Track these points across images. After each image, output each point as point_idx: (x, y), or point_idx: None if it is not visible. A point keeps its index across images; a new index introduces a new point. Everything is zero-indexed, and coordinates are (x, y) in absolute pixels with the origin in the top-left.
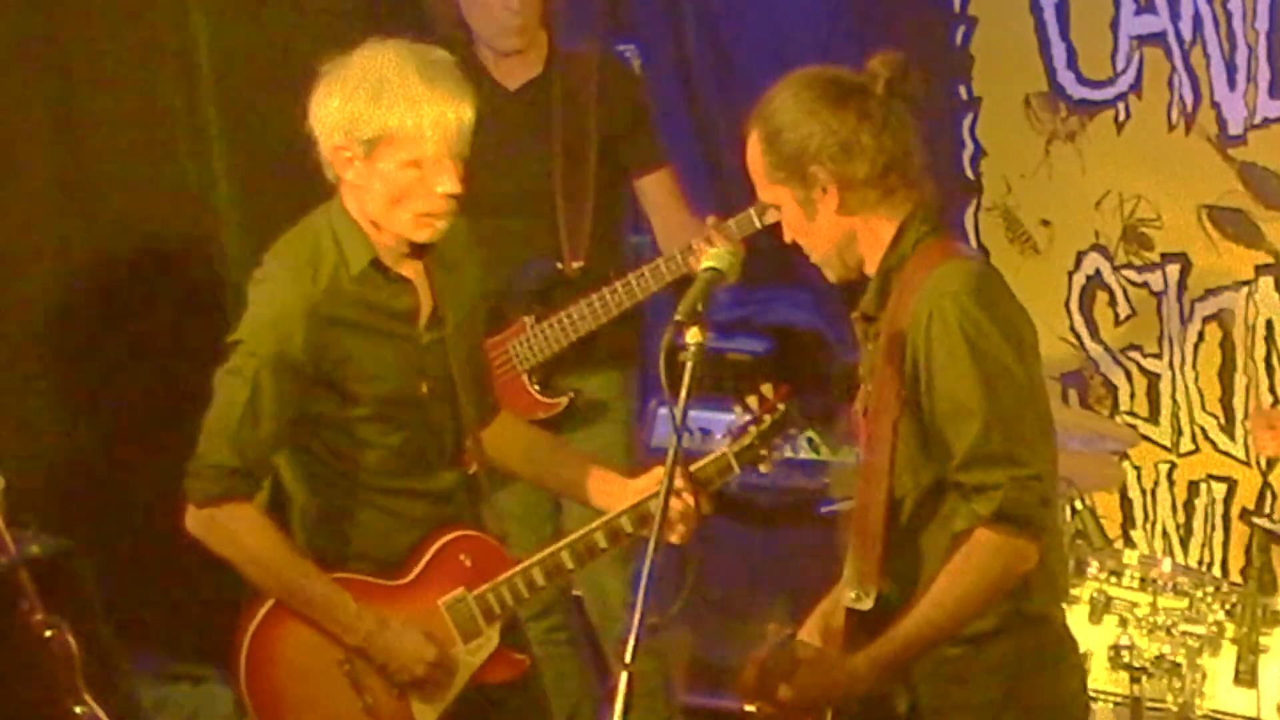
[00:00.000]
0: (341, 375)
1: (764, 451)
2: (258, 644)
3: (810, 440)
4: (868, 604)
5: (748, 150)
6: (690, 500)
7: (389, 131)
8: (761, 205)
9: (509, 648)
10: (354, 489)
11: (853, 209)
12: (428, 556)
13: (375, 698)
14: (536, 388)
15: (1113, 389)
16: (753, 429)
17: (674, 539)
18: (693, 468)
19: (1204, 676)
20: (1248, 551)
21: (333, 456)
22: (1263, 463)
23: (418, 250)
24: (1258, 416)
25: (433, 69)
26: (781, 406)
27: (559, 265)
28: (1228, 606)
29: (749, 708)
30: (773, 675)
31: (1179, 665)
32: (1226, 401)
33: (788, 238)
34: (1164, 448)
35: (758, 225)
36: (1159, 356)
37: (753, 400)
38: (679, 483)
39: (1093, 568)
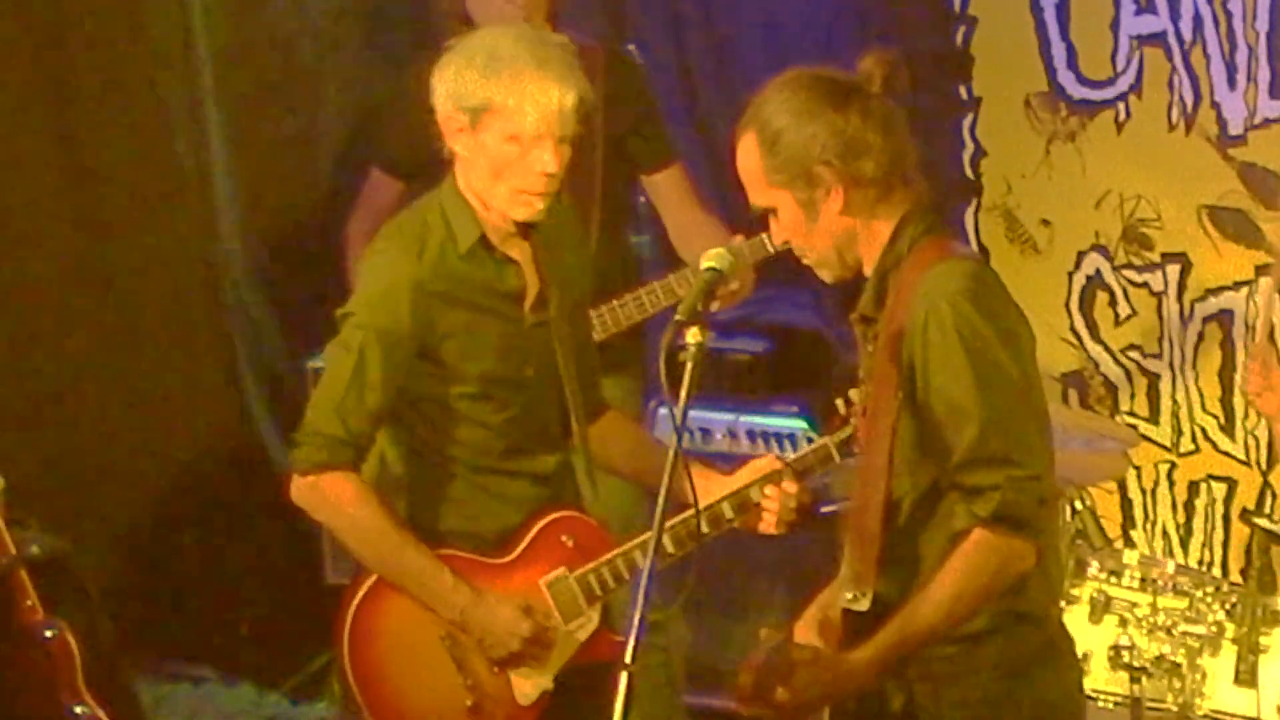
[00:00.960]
0: (446, 351)
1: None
2: (360, 621)
3: (810, 439)
4: (864, 604)
5: (740, 155)
6: (791, 489)
7: (492, 103)
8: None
9: (610, 630)
10: (454, 466)
11: (854, 209)
12: (530, 536)
13: (476, 674)
14: None
15: (1113, 389)
16: (854, 420)
17: (768, 529)
18: (791, 458)
19: (1204, 676)
20: (1248, 551)
21: (435, 433)
22: (1263, 462)
23: (524, 231)
24: (1254, 363)
25: (546, 50)
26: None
27: None
28: (1228, 606)
29: (747, 711)
30: (768, 678)
31: (1179, 665)
32: (1226, 401)
33: (778, 239)
34: (1164, 448)
35: (771, 250)
36: (1159, 356)
37: (854, 393)
38: (778, 470)
39: (1093, 568)
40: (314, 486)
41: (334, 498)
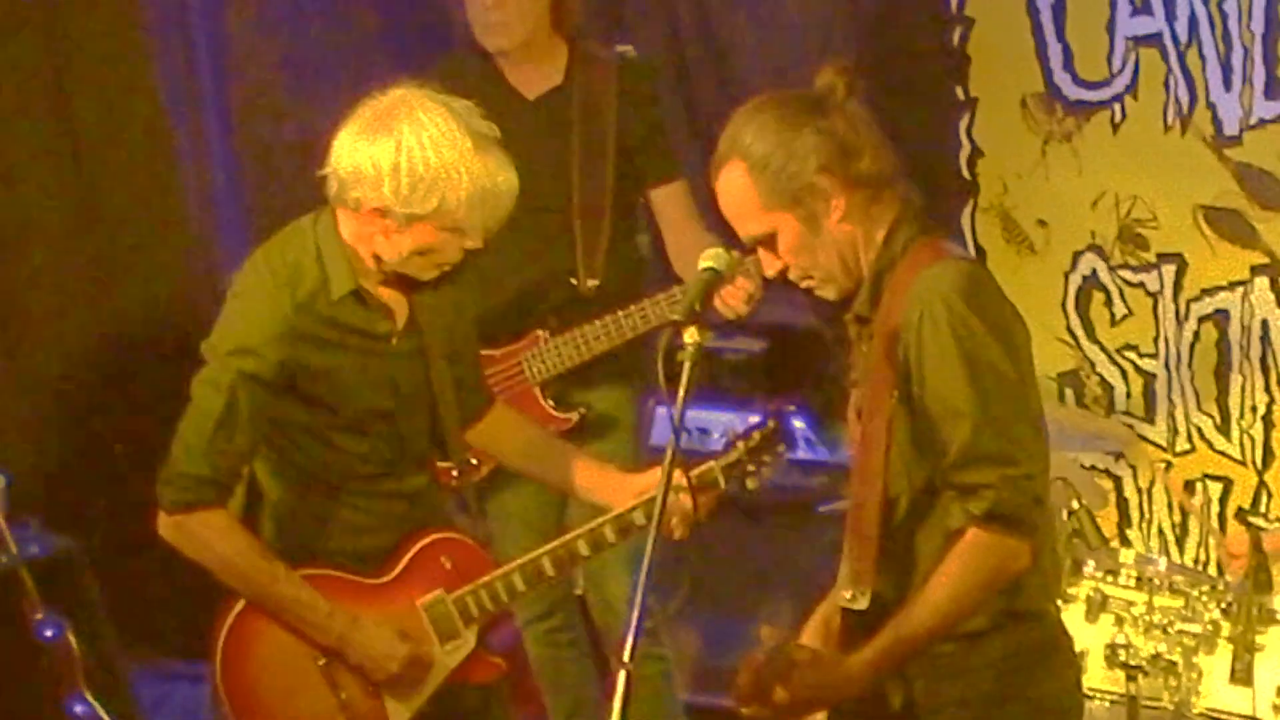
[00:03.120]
0: (315, 390)
1: (751, 468)
2: (232, 642)
3: (809, 439)
4: (863, 603)
5: (726, 188)
6: (687, 501)
7: (442, 210)
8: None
9: (486, 651)
10: (325, 488)
11: (853, 214)
12: (408, 557)
13: (350, 694)
14: (551, 403)
15: (1109, 388)
16: (740, 445)
17: (676, 536)
18: (696, 470)
19: (1200, 675)
20: None
21: (304, 456)
22: (1259, 462)
23: (400, 278)
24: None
25: (485, 142)
26: (772, 423)
27: (574, 281)
28: (1223, 605)
29: (745, 711)
30: (767, 678)
31: (1175, 664)
32: (1222, 401)
33: (772, 269)
34: (1160, 447)
35: None
36: (1155, 356)
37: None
38: (679, 481)
39: (1089, 567)
40: (180, 525)
41: (201, 535)
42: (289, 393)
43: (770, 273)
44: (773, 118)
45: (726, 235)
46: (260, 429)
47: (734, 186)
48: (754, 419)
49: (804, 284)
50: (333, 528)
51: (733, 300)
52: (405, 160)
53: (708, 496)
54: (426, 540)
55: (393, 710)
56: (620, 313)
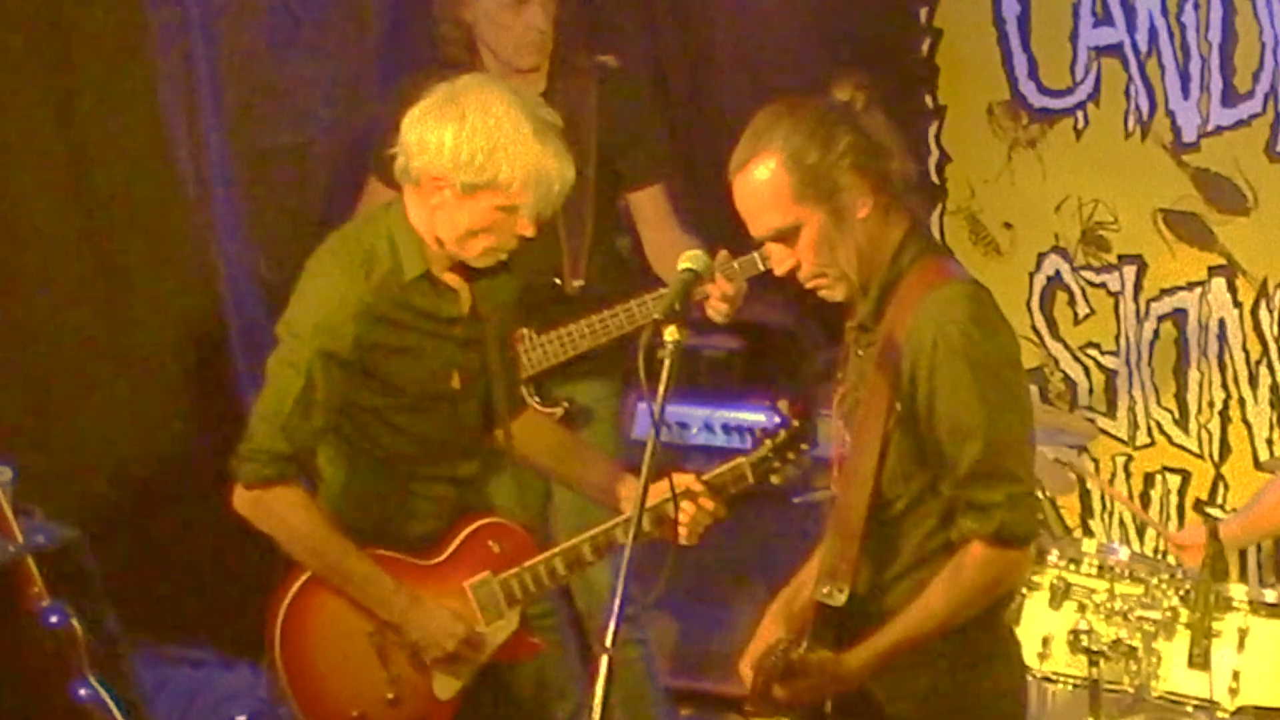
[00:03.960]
0: (385, 369)
1: (778, 464)
2: (292, 614)
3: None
4: (840, 600)
5: (755, 181)
6: (707, 505)
7: (497, 182)
8: (766, 251)
9: (526, 631)
10: (382, 470)
11: (875, 216)
12: (459, 540)
13: (400, 669)
14: (536, 399)
15: (1072, 385)
16: (768, 442)
17: (682, 540)
18: (707, 476)
19: (1159, 660)
20: None
21: (363, 438)
22: (1216, 455)
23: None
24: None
25: (546, 127)
26: (796, 422)
27: (558, 281)
28: (1182, 593)
29: (749, 708)
30: (770, 678)
31: (1135, 649)
32: (1181, 397)
33: (782, 265)
34: (1121, 441)
35: (761, 268)
36: (1116, 354)
37: (783, 404)
38: (695, 488)
39: (1053, 556)
40: (258, 500)
41: (278, 510)
42: (360, 373)
43: (780, 270)
44: (810, 116)
45: (702, 236)
46: (334, 407)
47: (764, 179)
48: (778, 418)
49: (813, 283)
50: (388, 511)
51: (721, 304)
52: (467, 131)
53: (726, 496)
54: (476, 525)
55: (439, 685)
56: (605, 313)
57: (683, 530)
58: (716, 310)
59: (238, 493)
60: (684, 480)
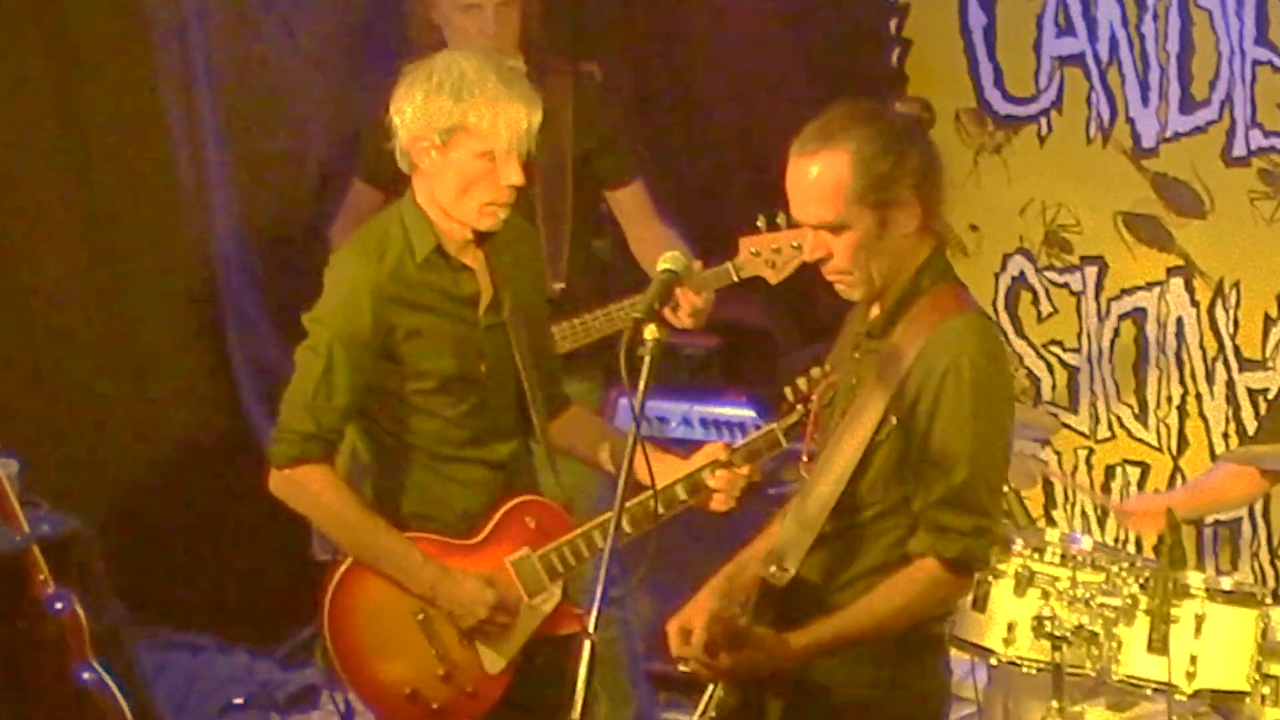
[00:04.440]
0: (405, 351)
1: (809, 427)
2: (339, 598)
3: (759, 426)
4: (784, 580)
5: (816, 174)
6: (743, 471)
7: (467, 124)
8: (741, 260)
9: (570, 603)
10: (415, 454)
11: (914, 234)
12: (496, 519)
13: (448, 645)
14: None
15: (1036, 381)
16: (800, 407)
17: (717, 507)
18: (741, 442)
19: (1120, 645)
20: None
21: (396, 424)
22: (1174, 448)
23: (480, 239)
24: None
25: (510, 74)
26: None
27: None
28: (1141, 580)
29: (683, 668)
30: (719, 644)
31: (1097, 634)
32: (1140, 392)
33: (813, 255)
34: (1082, 434)
35: (735, 279)
36: (1078, 351)
37: (801, 382)
38: (722, 456)
39: (1018, 545)
40: (290, 479)
41: (309, 488)
42: (384, 357)
43: (812, 256)
44: (889, 127)
45: (681, 230)
46: (358, 388)
47: (830, 172)
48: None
49: (836, 277)
50: (421, 494)
51: (687, 319)
52: (434, 85)
53: (760, 461)
54: (513, 503)
55: (487, 660)
56: (586, 315)
57: (719, 496)
58: (683, 323)
59: (271, 475)
60: (714, 450)
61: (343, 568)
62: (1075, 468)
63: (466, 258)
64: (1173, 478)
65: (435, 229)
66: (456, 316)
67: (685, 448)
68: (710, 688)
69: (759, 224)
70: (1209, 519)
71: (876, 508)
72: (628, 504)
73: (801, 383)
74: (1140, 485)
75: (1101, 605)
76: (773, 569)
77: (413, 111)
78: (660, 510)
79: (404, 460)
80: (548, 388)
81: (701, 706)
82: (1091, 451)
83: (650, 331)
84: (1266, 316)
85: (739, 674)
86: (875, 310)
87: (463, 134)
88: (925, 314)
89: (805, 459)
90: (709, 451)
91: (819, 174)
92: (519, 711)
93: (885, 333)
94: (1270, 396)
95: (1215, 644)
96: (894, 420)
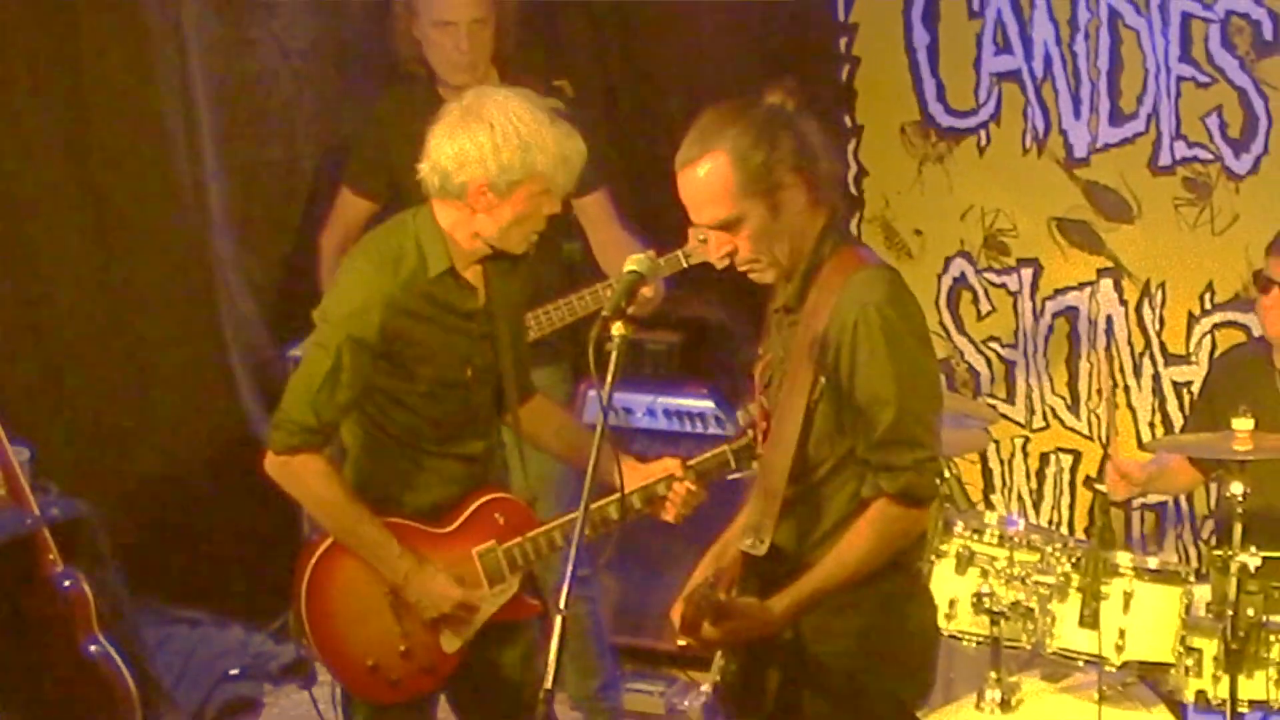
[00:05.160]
0: (406, 357)
1: (759, 452)
2: (316, 577)
3: (719, 418)
4: (762, 550)
5: (704, 176)
6: (693, 488)
7: (534, 172)
8: (690, 247)
9: (526, 594)
10: (396, 446)
11: (805, 211)
12: (468, 512)
13: (411, 625)
14: None
15: (975, 374)
16: (751, 432)
17: (669, 518)
18: (693, 461)
19: (1053, 620)
20: (1090, 513)
21: (383, 418)
22: (1103, 437)
23: (482, 259)
24: (1115, 463)
25: (554, 115)
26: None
27: None
28: (1073, 560)
29: (681, 642)
30: (701, 616)
31: (1032, 610)
32: (1072, 385)
33: (721, 250)
34: (1019, 424)
35: (684, 264)
36: (1014, 347)
37: (753, 407)
38: (679, 473)
39: (959, 527)
40: (286, 464)
41: (303, 475)
42: (384, 359)
43: (717, 254)
44: (756, 119)
45: (642, 236)
46: (359, 389)
47: (712, 175)
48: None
49: (746, 267)
50: (405, 484)
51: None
52: (500, 137)
53: (709, 480)
54: (484, 499)
55: (445, 640)
56: (549, 306)
57: (671, 509)
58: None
59: (268, 458)
60: (671, 465)
61: (323, 546)
62: (1012, 455)
63: (470, 274)
64: (1102, 464)
65: (449, 250)
66: (457, 328)
67: (650, 436)
68: (717, 657)
69: None
70: (1136, 503)
71: (827, 465)
72: (591, 507)
73: (754, 408)
74: (1073, 472)
75: (1036, 583)
76: (750, 541)
77: (479, 160)
78: (615, 516)
79: (384, 450)
80: (520, 379)
81: (711, 674)
82: (1027, 440)
83: (617, 329)
84: (1190, 314)
85: (729, 643)
86: (787, 287)
87: (528, 183)
88: (831, 277)
89: (761, 439)
90: (665, 466)
91: (704, 178)
92: (473, 672)
93: (800, 303)
94: (1194, 389)
95: (1142, 619)
96: (823, 380)
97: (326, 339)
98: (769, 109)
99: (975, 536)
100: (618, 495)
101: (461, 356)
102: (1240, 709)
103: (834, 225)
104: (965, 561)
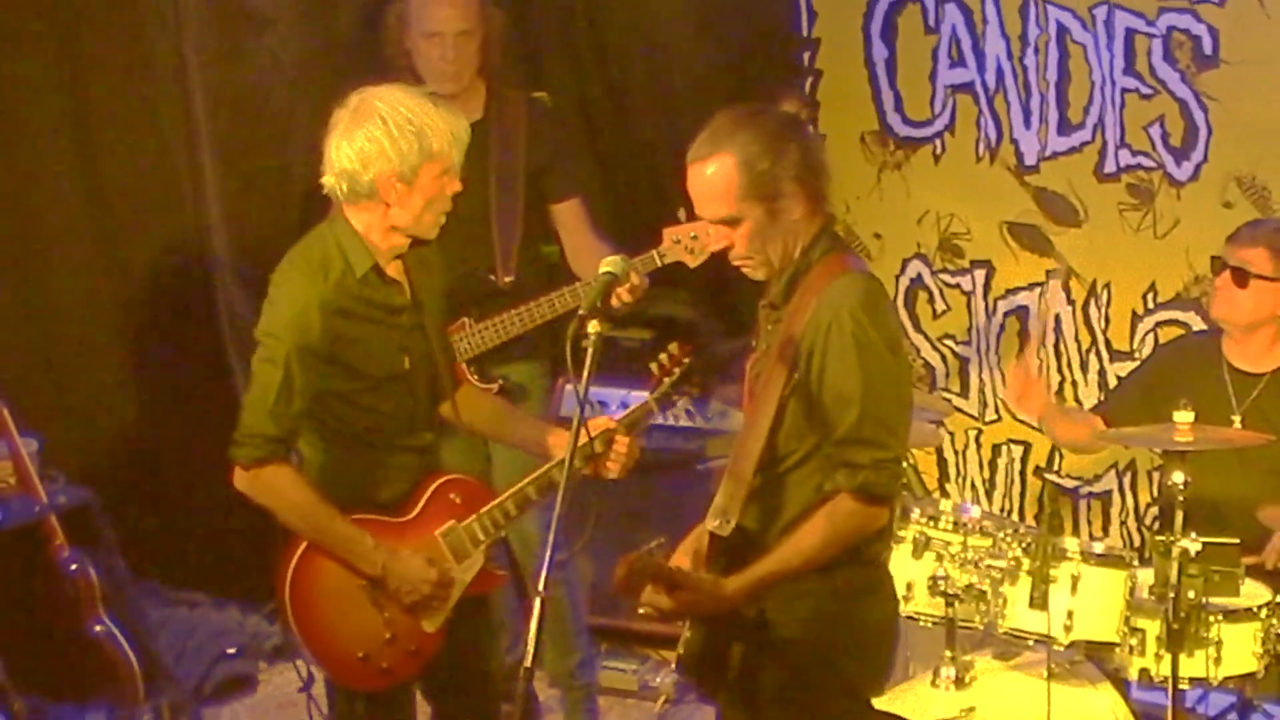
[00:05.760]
0: (348, 356)
1: (675, 397)
2: (297, 576)
3: (689, 410)
4: (727, 530)
5: (711, 175)
6: (625, 441)
7: (432, 152)
8: (664, 248)
9: (490, 566)
10: (355, 449)
11: (802, 218)
12: (425, 497)
13: (392, 613)
14: (475, 377)
15: (931, 370)
16: (666, 380)
17: (611, 474)
18: (621, 416)
19: (1005, 602)
20: (1040, 501)
21: (338, 420)
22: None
23: (400, 255)
24: (1019, 370)
25: (434, 97)
26: (687, 360)
27: (493, 277)
28: (1024, 545)
29: (642, 610)
30: (636, 580)
31: (985, 592)
32: None
33: (717, 243)
34: (972, 417)
35: (659, 264)
36: (968, 344)
37: (663, 357)
38: (612, 426)
39: (915, 513)
40: (256, 477)
41: (273, 485)
42: (329, 363)
43: (715, 247)
44: (767, 127)
45: (619, 240)
46: (311, 394)
47: (719, 174)
48: (663, 356)
49: (739, 262)
50: (366, 483)
51: (625, 295)
52: (394, 127)
53: (639, 431)
54: (438, 482)
55: (426, 621)
56: (531, 304)
57: (613, 465)
58: (625, 299)
59: (237, 474)
60: (601, 423)
61: (297, 554)
62: (966, 446)
63: (393, 271)
64: (1051, 455)
65: (370, 250)
66: (389, 324)
67: None
68: (684, 629)
69: (679, 215)
70: (1083, 491)
71: (794, 456)
72: (533, 475)
73: (664, 358)
74: (1023, 462)
75: (989, 567)
76: (717, 522)
77: (380, 155)
78: (559, 479)
79: (342, 455)
80: (449, 374)
81: (679, 646)
82: (980, 432)
83: (593, 326)
84: (1134, 313)
85: (683, 614)
86: (777, 285)
87: (429, 164)
88: (816, 281)
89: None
90: (597, 424)
91: (711, 176)
92: (443, 657)
93: (785, 302)
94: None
95: (1089, 601)
96: (795, 376)
97: (273, 352)
98: (781, 118)
99: (931, 523)
100: (559, 459)
101: (398, 349)
102: (1181, 686)
103: (827, 231)
104: (921, 546)
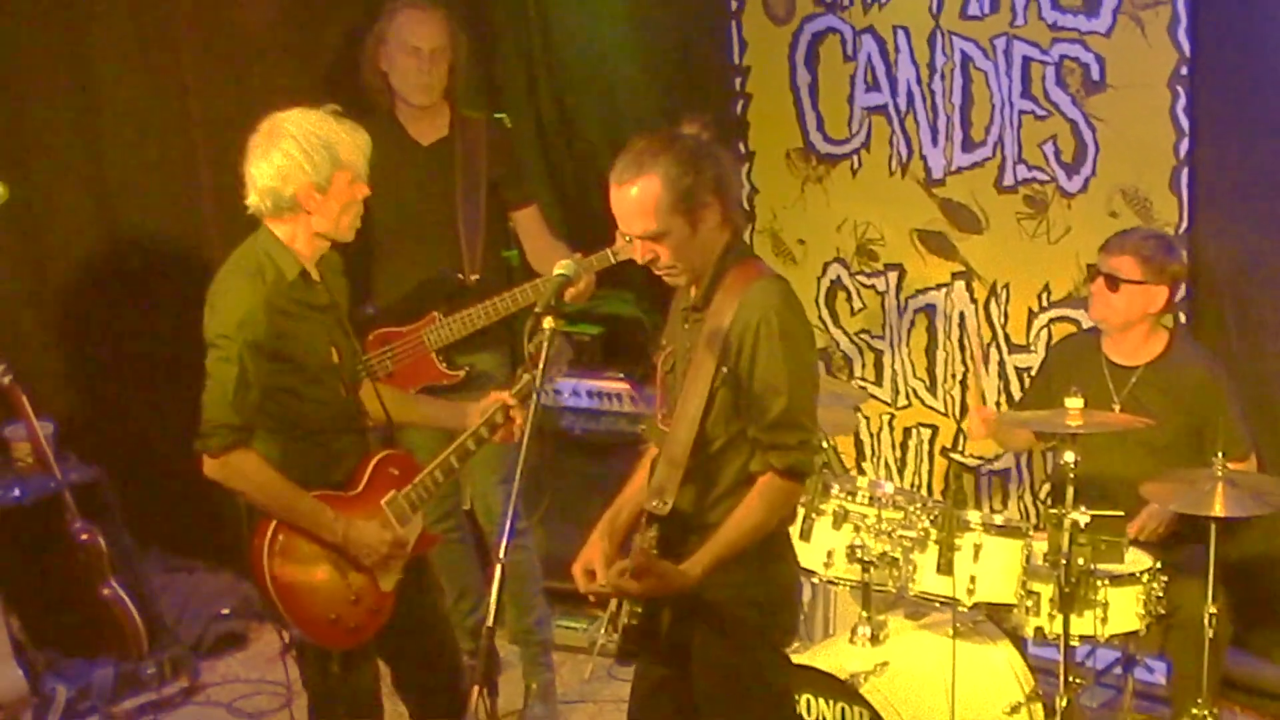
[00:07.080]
0: (291, 351)
1: (530, 391)
2: (272, 552)
3: (633, 397)
4: (665, 510)
5: (637, 194)
6: (517, 412)
7: (341, 162)
8: (617, 246)
9: (426, 530)
10: (306, 438)
11: (717, 228)
12: (368, 472)
13: (354, 578)
14: (444, 365)
15: (849, 361)
16: (525, 376)
17: (507, 440)
18: (513, 389)
19: (915, 568)
20: (946, 478)
21: (292, 415)
22: (957, 414)
23: (319, 258)
24: (978, 413)
25: (340, 118)
26: (531, 349)
27: (460, 276)
28: (931, 517)
29: (591, 597)
30: (629, 574)
31: (897, 559)
32: (930, 370)
33: (645, 255)
34: (885, 403)
35: (613, 261)
36: (882, 338)
37: (530, 347)
38: (508, 400)
39: (835, 489)
40: (225, 464)
41: (241, 468)
42: (274, 358)
43: (641, 259)
44: (687, 148)
45: (570, 243)
46: (262, 387)
47: (645, 194)
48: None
49: (663, 271)
50: (319, 469)
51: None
52: (305, 143)
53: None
54: (378, 457)
55: (383, 581)
56: (494, 299)
57: (516, 430)
58: (571, 298)
59: (207, 463)
60: (500, 396)
61: (268, 536)
62: (880, 429)
63: (314, 275)
64: (956, 437)
65: (297, 256)
66: (318, 321)
67: (575, 413)
68: (626, 604)
69: None
70: (984, 469)
71: (721, 440)
72: (453, 446)
73: (531, 348)
74: (931, 443)
75: (900, 536)
76: (655, 502)
77: (296, 169)
78: (472, 447)
79: (295, 447)
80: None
81: (624, 614)
82: (893, 416)
83: (548, 322)
84: (1030, 310)
85: (645, 597)
86: (695, 290)
87: (340, 172)
88: (734, 284)
89: (660, 416)
90: (495, 398)
91: (637, 196)
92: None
93: (706, 305)
94: (1033, 373)
95: (990, 567)
96: (724, 370)
97: (227, 351)
98: (695, 140)
99: (849, 498)
100: (473, 431)
101: (327, 343)
102: (1072, 643)
103: (737, 239)
104: (841, 519)
